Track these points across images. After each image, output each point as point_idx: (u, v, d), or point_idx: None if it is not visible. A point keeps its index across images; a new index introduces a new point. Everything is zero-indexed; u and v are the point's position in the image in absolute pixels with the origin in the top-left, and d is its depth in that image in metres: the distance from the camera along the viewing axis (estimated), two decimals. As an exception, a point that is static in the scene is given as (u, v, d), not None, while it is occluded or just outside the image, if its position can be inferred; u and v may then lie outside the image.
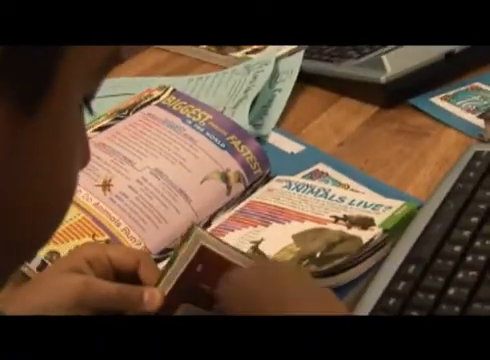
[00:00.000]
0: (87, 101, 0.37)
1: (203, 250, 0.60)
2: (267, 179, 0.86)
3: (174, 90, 0.93)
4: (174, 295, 0.60)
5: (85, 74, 0.33)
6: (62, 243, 0.68)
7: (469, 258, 0.65)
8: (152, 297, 0.59)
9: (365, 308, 0.62)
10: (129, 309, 0.59)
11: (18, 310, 0.55)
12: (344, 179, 0.85)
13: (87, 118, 0.39)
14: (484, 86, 1.03)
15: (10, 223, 0.34)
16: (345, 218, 0.74)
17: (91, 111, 0.38)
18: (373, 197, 0.80)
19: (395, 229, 0.72)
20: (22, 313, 0.56)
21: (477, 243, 0.67)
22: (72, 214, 0.74)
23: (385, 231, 0.71)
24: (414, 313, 0.60)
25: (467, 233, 0.68)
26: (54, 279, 0.60)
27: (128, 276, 0.62)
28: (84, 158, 0.39)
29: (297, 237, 0.72)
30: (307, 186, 0.82)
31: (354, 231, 0.72)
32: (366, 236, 0.71)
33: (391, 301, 0.62)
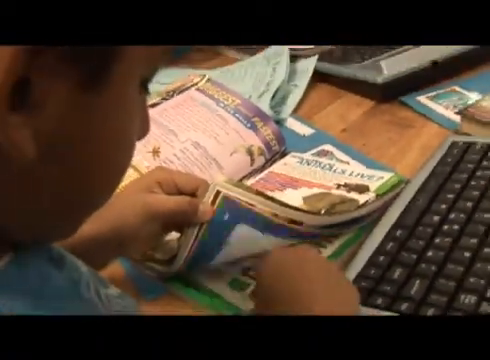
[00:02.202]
0: (145, 83, 0.36)
1: (218, 194, 0.60)
2: (283, 155, 0.86)
3: (209, 79, 0.93)
4: None
5: (143, 61, 0.33)
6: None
7: (445, 226, 0.65)
8: (205, 209, 0.60)
9: (359, 264, 0.62)
10: (188, 219, 0.60)
11: (93, 227, 0.54)
12: (345, 158, 0.85)
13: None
14: (460, 89, 1.03)
15: (82, 183, 0.34)
16: (345, 185, 0.74)
17: (148, 92, 0.37)
18: (368, 170, 0.79)
19: (385, 194, 0.72)
20: (97, 230, 0.55)
21: (452, 215, 0.67)
22: (128, 174, 0.72)
23: (377, 195, 0.71)
24: (399, 270, 0.60)
25: (444, 206, 0.68)
26: (130, 198, 0.60)
27: (189, 194, 0.62)
28: (143, 130, 0.39)
29: (306, 199, 0.72)
30: (315, 162, 0.82)
31: (352, 195, 0.72)
32: (362, 198, 0.70)
33: (381, 258, 0.62)
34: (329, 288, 0.52)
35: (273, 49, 1.11)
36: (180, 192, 0.63)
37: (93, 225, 0.53)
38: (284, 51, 1.07)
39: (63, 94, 0.29)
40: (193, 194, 0.62)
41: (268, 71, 1.05)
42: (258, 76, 1.05)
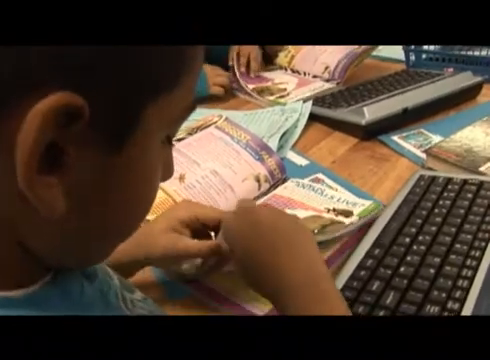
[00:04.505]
0: (169, 138, 0.33)
1: None
2: (284, 181, 0.84)
3: (227, 118, 0.91)
4: None
5: (166, 121, 0.30)
6: (151, 215, 0.65)
7: (414, 247, 0.62)
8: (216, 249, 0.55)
9: (343, 277, 0.59)
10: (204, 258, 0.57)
11: (119, 262, 0.48)
12: (334, 185, 0.83)
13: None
14: (425, 131, 1.01)
15: (111, 224, 0.31)
16: (334, 210, 0.72)
17: (171, 144, 0.34)
18: (352, 198, 0.77)
19: (365, 216, 0.69)
20: (123, 264, 0.51)
21: (420, 237, 0.64)
22: (159, 195, 0.71)
23: (360, 218, 0.69)
24: (376, 283, 0.57)
25: (414, 229, 0.66)
26: (154, 237, 0.55)
27: (213, 226, 0.58)
28: (168, 174, 0.36)
29: (302, 220, 0.69)
30: (310, 186, 0.80)
31: (339, 218, 0.69)
32: (347, 221, 0.68)
33: (362, 273, 0.59)
34: (288, 238, 0.48)
35: (291, 106, 1.09)
36: (204, 224, 0.58)
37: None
38: (298, 109, 1.06)
39: (90, 157, 0.26)
40: (216, 226, 0.57)
41: (281, 119, 1.04)
42: (273, 122, 1.03)
